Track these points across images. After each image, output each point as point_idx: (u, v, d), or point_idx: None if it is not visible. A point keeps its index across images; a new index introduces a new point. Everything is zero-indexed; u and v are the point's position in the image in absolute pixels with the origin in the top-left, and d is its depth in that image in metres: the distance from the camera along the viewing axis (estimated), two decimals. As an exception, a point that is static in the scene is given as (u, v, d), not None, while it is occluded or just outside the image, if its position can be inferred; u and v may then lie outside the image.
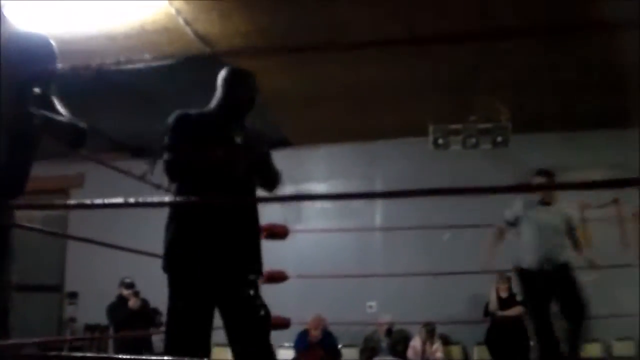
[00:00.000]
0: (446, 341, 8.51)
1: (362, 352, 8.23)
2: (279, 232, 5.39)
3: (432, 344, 7.88)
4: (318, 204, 8.53)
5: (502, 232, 5.93)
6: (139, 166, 6.82)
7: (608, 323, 7.86)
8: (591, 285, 8.33)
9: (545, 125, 8.81)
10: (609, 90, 7.77)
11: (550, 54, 6.89)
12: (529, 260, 5.62)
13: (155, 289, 7.89)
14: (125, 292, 7.67)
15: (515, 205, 5.85)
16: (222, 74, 3.32)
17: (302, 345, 7.84)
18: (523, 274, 5.71)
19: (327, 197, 8.04)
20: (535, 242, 5.62)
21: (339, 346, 8.04)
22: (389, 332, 8.06)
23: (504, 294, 8.15)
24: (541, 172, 5.76)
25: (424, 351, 7.81)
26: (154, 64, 3.81)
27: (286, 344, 8.08)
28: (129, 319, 7.49)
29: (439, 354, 7.91)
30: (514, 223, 5.82)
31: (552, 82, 7.59)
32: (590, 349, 8.33)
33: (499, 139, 8.26)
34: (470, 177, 8.14)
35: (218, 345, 9.00)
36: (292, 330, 6.97)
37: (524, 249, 5.70)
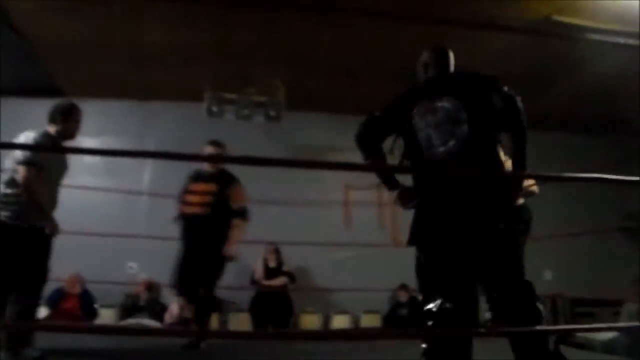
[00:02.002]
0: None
1: (121, 309, 8.17)
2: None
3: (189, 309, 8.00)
4: (86, 159, 8.27)
5: None
6: None
7: (357, 297, 8.50)
8: (348, 261, 9.00)
9: (319, 105, 9.24)
10: (380, 77, 8.31)
11: (329, 36, 7.18)
12: None
13: None
14: None
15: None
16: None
17: (57, 302, 7.60)
18: None
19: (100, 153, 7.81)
20: None
21: (96, 306, 7.91)
22: (150, 290, 8.11)
23: (272, 264, 8.49)
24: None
25: (180, 315, 7.89)
26: None
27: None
28: None
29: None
30: None
31: (329, 64, 7.95)
32: (339, 321, 8.97)
33: (272, 113, 8.53)
34: (243, 148, 8.30)
35: None
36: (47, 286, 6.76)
37: None
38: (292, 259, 8.65)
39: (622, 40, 5.54)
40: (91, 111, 8.92)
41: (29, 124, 4.35)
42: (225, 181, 5.80)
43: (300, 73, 8.16)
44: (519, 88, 3.32)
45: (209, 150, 5.83)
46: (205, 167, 5.91)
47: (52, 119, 4.64)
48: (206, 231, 5.65)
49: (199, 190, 5.76)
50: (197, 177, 5.91)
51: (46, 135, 4.55)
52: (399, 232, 9.23)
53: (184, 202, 5.79)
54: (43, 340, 4.54)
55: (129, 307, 8.08)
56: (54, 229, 4.45)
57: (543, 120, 8.31)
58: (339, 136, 9.46)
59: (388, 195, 3.45)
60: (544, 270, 9.42)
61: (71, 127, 4.70)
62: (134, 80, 8.52)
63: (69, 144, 4.77)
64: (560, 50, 7.24)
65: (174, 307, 7.86)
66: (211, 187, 5.75)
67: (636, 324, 6.95)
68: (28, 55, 7.52)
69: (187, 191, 5.84)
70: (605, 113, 9.09)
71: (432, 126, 3.20)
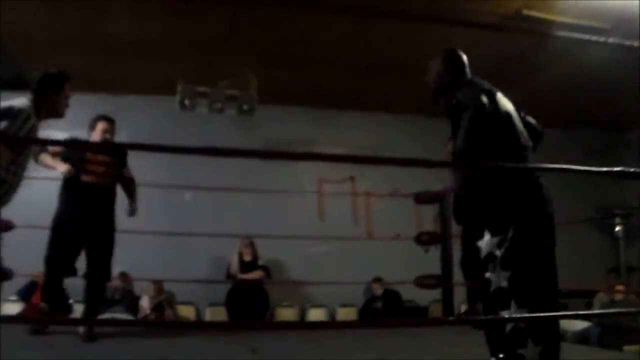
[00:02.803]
0: (177, 301, 8.66)
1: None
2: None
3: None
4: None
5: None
6: None
7: (333, 290, 8.51)
8: (323, 255, 9.00)
9: (291, 98, 9.22)
10: (352, 71, 8.31)
11: (301, 29, 7.16)
12: None
13: None
14: None
15: None
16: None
17: (30, 295, 7.51)
18: None
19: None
20: None
21: (71, 301, 7.81)
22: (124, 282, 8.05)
23: (247, 258, 8.46)
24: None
25: (151, 309, 7.84)
26: None
27: (12, 298, 7.64)
28: None
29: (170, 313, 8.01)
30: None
31: (301, 57, 7.95)
32: (315, 314, 8.97)
33: (245, 107, 8.49)
34: (215, 141, 8.29)
35: None
36: (18, 281, 6.68)
37: None
38: (268, 252, 8.64)
39: (590, 36, 5.58)
40: (62, 105, 8.90)
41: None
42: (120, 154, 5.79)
43: (273, 67, 8.13)
44: (490, 83, 3.36)
45: (103, 125, 5.65)
46: (95, 138, 5.68)
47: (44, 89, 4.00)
48: (105, 201, 5.59)
49: (100, 160, 5.59)
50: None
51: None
52: (373, 225, 9.29)
53: (85, 170, 5.49)
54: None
55: (106, 301, 8.00)
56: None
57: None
58: (311, 130, 9.52)
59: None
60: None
61: (61, 101, 4.15)
62: (105, 74, 8.44)
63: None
64: (530, 45, 7.29)
65: (144, 302, 7.83)
66: (111, 158, 5.65)
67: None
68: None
69: (83, 159, 5.56)
70: (575, 107, 9.18)
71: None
